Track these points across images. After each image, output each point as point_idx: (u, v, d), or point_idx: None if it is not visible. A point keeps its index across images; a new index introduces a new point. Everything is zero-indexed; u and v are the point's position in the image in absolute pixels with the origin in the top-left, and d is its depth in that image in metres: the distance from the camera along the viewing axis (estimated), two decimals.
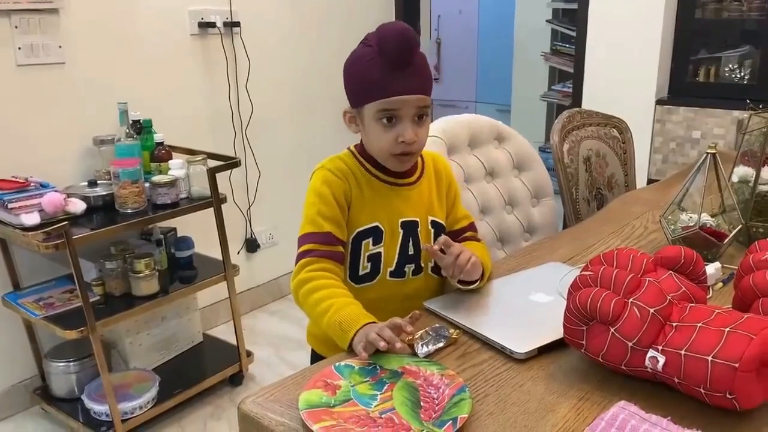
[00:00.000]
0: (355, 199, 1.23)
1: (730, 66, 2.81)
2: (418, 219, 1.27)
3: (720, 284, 1.26)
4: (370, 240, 1.24)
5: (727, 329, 0.85)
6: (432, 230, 1.29)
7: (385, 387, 0.93)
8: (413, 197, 1.27)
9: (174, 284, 2.29)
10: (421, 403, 0.89)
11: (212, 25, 2.61)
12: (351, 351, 1.03)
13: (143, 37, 2.43)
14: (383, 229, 1.24)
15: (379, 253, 1.25)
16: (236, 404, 2.30)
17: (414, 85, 1.17)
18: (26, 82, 2.15)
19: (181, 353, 2.48)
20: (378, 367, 0.97)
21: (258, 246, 3.00)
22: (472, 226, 1.37)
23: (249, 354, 2.48)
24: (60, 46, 2.20)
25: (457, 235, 1.33)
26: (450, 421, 0.83)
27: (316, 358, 1.33)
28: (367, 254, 1.24)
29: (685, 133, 2.78)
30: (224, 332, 2.71)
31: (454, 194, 1.35)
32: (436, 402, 0.89)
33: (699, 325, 0.88)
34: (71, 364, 2.20)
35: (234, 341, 2.48)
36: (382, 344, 0.98)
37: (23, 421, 2.25)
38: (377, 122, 1.18)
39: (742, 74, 2.79)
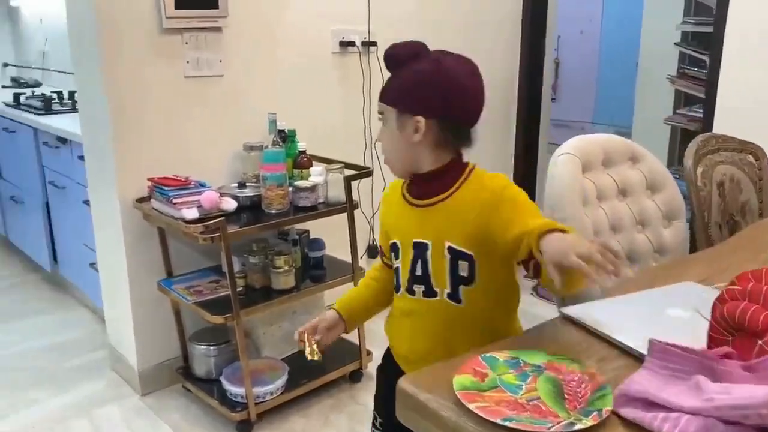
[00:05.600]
0: (388, 216, 1.38)
1: None
2: (428, 242, 1.24)
3: None
4: (393, 255, 1.34)
5: None
6: (448, 256, 1.22)
7: (529, 379, 1.01)
8: (427, 219, 1.26)
9: (305, 282, 2.46)
10: (565, 395, 0.97)
11: (352, 44, 2.80)
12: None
13: (291, 54, 2.65)
14: (399, 246, 1.31)
15: (398, 268, 1.33)
16: (356, 400, 2.49)
17: (383, 91, 1.30)
18: (191, 91, 2.41)
19: None
20: (521, 361, 1.06)
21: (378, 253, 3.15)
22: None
23: (369, 353, 2.62)
24: (221, 61, 2.45)
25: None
26: (595, 412, 0.90)
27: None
28: (394, 267, 1.35)
29: None
30: None
31: (505, 219, 1.16)
32: (579, 395, 0.96)
33: None
34: (211, 347, 2.42)
35: (353, 341, 2.63)
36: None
37: (166, 397, 2.50)
38: None
39: None
